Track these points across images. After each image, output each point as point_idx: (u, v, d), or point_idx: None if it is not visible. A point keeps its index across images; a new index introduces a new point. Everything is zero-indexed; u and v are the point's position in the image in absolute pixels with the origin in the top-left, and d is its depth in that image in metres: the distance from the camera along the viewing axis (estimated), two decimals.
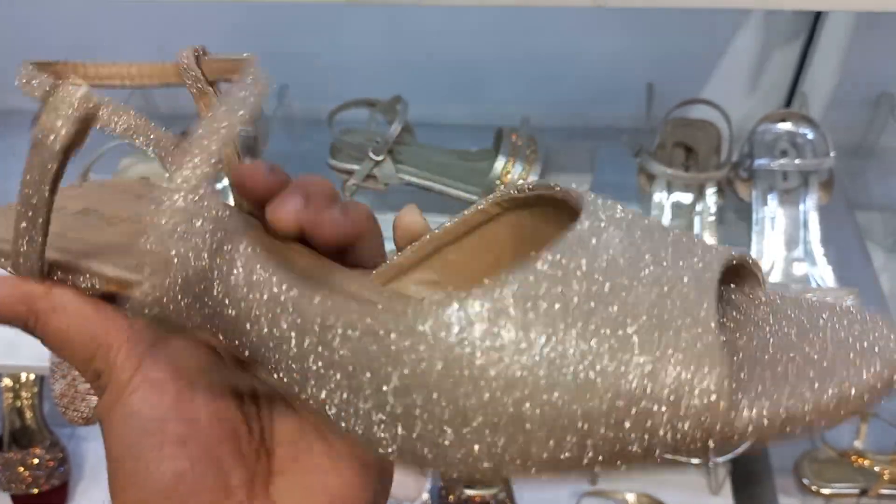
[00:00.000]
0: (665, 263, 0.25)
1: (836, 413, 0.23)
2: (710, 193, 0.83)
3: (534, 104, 0.99)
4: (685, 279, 0.25)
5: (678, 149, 0.88)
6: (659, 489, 1.09)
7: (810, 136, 0.84)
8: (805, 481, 1.06)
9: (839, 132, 0.95)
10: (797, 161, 0.82)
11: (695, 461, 1.08)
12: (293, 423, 0.28)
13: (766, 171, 0.83)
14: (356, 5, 0.50)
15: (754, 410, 0.22)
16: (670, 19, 0.91)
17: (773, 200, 0.83)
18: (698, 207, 0.84)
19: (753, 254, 0.82)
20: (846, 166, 0.95)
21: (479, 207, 0.30)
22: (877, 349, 0.24)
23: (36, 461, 1.02)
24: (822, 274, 0.80)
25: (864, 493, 1.04)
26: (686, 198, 0.84)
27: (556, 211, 0.29)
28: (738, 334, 0.26)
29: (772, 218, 0.83)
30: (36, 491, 1.02)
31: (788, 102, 0.95)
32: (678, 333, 0.23)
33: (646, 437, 0.22)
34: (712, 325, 0.23)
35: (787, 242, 0.82)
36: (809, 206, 0.82)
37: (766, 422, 0.23)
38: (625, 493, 1.08)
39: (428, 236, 0.30)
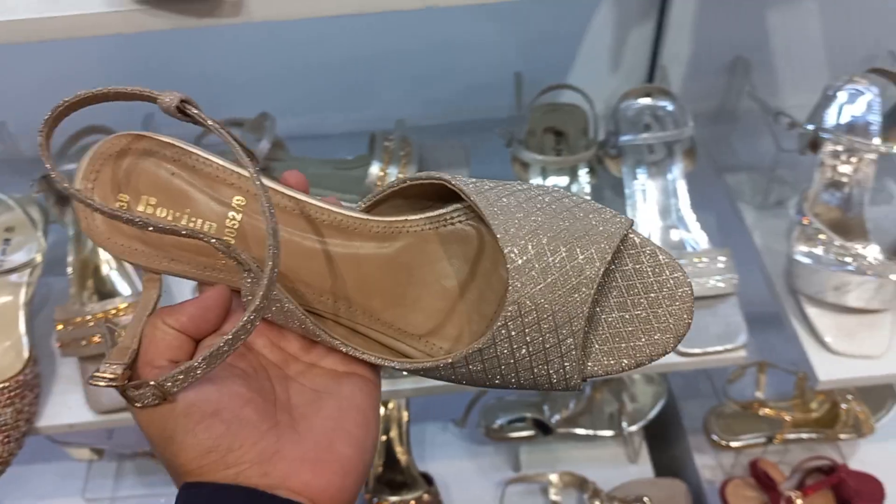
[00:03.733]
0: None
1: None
2: (583, 174, 0.85)
3: (411, 105, 1.00)
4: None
5: (548, 134, 0.89)
6: (580, 466, 1.11)
7: (670, 107, 0.87)
8: (714, 437, 1.10)
9: (701, 100, 0.99)
10: (659, 133, 0.84)
11: (608, 433, 1.11)
12: (305, 390, 0.38)
13: (633, 146, 0.85)
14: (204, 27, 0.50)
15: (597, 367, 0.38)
16: (531, 8, 0.93)
17: (642, 173, 0.86)
18: (574, 188, 0.86)
19: None
20: (711, 132, 0.99)
21: (360, 206, 0.42)
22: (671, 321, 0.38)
23: None
24: (696, 238, 0.84)
25: (770, 440, 1.09)
26: (561, 181, 0.86)
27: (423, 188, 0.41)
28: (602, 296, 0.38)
29: (643, 190, 0.85)
30: None
31: (650, 77, 0.98)
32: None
33: None
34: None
35: (660, 212, 0.85)
36: (676, 175, 0.85)
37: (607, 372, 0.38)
38: (548, 475, 1.10)
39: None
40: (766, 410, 1.08)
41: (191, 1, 0.49)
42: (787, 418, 1.08)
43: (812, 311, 0.81)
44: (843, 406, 1.04)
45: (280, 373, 0.39)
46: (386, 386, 0.85)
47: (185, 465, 0.34)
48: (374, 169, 0.83)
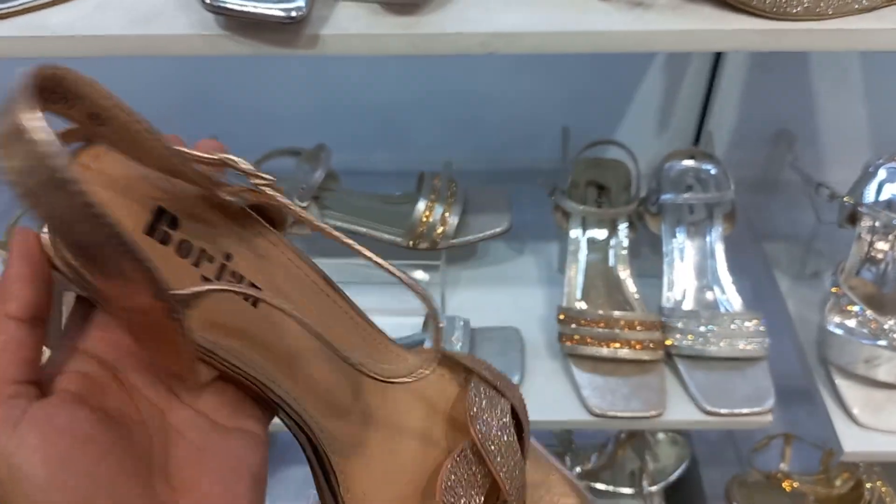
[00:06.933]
0: None
1: None
2: (622, 228, 0.87)
3: (456, 149, 1.04)
4: None
5: (591, 187, 0.92)
6: None
7: (713, 171, 0.90)
8: None
9: (744, 168, 1.01)
10: (700, 194, 0.86)
11: (628, 491, 1.11)
12: (190, 448, 0.32)
13: (674, 205, 0.87)
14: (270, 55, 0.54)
15: None
16: (581, 64, 0.96)
17: (681, 233, 0.88)
18: (612, 242, 0.88)
19: (665, 283, 0.86)
20: (752, 200, 1.01)
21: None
22: None
23: None
24: (731, 299, 0.85)
25: None
26: (600, 233, 0.88)
27: None
28: None
29: (681, 249, 0.87)
30: None
31: (696, 142, 1.01)
32: None
33: None
34: None
35: (696, 272, 0.87)
36: (715, 238, 0.87)
37: None
38: None
39: None
40: (789, 483, 1.07)
41: (272, 31, 0.53)
42: (810, 494, 1.06)
43: (841, 383, 0.81)
44: (868, 485, 1.03)
45: (161, 422, 0.32)
46: None
47: None
48: (421, 205, 0.86)
